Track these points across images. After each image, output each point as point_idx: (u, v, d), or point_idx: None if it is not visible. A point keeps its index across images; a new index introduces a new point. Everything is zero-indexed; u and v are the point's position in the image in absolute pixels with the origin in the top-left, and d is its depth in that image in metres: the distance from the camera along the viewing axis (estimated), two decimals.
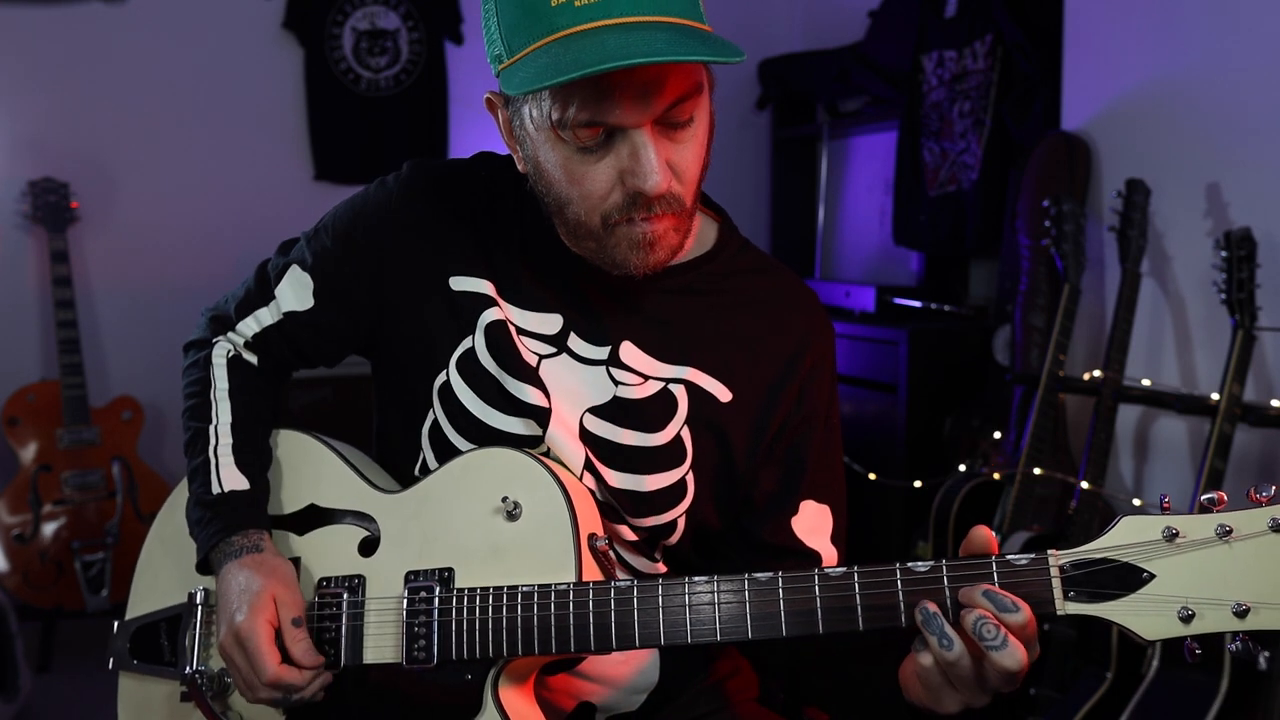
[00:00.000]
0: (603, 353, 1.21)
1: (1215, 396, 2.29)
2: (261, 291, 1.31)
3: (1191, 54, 2.58)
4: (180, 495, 1.33)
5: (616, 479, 1.20)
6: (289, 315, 1.29)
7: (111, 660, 1.31)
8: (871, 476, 3.21)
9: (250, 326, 1.31)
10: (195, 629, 1.21)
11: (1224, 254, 2.27)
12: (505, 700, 1.10)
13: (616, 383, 1.20)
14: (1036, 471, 2.57)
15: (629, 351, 1.20)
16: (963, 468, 2.97)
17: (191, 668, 1.20)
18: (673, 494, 1.21)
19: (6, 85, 3.60)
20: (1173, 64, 2.62)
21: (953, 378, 3.27)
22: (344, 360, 1.36)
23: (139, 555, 1.34)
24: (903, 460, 3.25)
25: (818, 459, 1.25)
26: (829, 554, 1.24)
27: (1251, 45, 2.44)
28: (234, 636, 1.13)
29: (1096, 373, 2.55)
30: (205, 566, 1.22)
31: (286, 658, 1.12)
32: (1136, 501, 2.66)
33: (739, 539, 1.25)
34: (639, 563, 1.26)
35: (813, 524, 1.24)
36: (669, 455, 1.20)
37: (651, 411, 1.20)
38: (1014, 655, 0.92)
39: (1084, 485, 2.48)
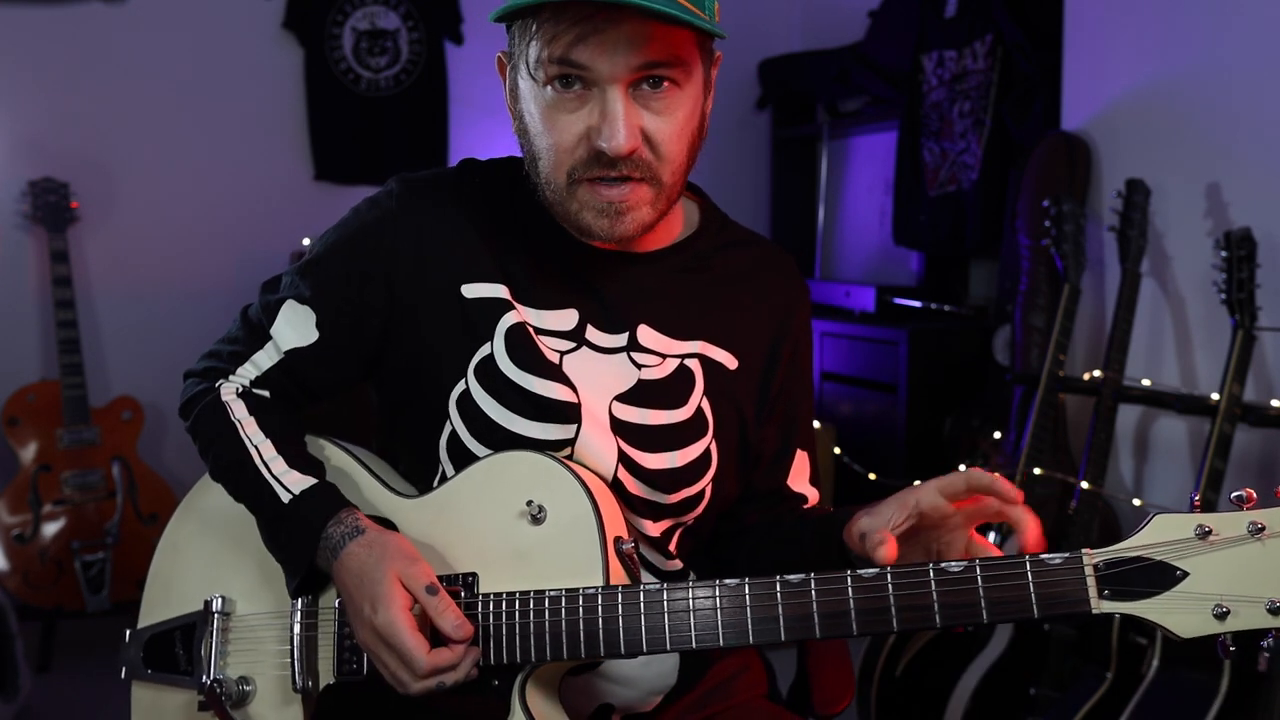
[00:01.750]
0: (621, 340, 1.23)
1: (1215, 396, 2.29)
2: (254, 335, 1.27)
3: (1191, 54, 2.57)
4: (192, 502, 1.32)
5: (652, 460, 1.22)
6: (292, 353, 1.25)
7: (124, 670, 1.29)
8: (871, 476, 3.21)
9: (249, 372, 1.27)
10: (212, 637, 1.20)
11: (1224, 254, 2.27)
12: (533, 705, 1.09)
13: (639, 365, 1.23)
14: (1036, 471, 2.57)
15: (646, 334, 1.23)
16: (963, 468, 2.96)
17: (209, 677, 1.18)
18: (701, 464, 1.24)
19: (6, 85, 3.60)
20: (1173, 64, 2.62)
21: (953, 378, 3.27)
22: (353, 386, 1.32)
23: (148, 555, 1.33)
24: (903, 460, 3.25)
25: (805, 413, 1.35)
26: (812, 494, 1.35)
27: (1251, 45, 2.44)
28: (376, 636, 1.08)
29: (1096, 373, 2.55)
30: (312, 580, 1.17)
31: (434, 638, 1.08)
32: (1136, 502, 2.66)
33: (745, 492, 1.33)
34: (655, 559, 1.27)
35: (799, 470, 1.35)
36: (694, 428, 1.24)
37: (674, 388, 1.23)
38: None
39: (1084, 485, 2.48)
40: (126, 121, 3.71)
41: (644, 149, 1.10)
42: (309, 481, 1.18)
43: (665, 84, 1.09)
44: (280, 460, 1.19)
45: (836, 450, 3.43)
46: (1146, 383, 2.57)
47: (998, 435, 2.98)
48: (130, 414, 3.46)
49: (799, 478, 1.34)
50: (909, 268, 3.80)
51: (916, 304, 3.49)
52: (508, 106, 1.21)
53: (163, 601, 1.29)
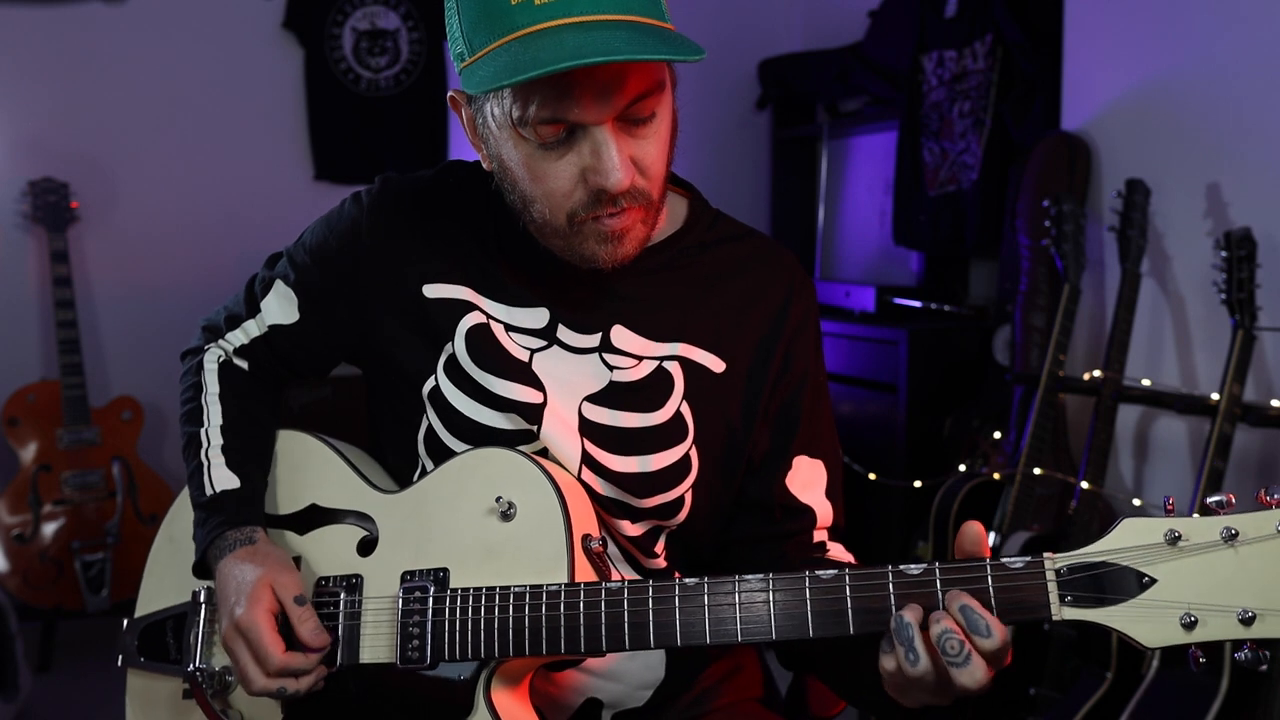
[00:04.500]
0: (593, 340, 1.22)
1: (1215, 396, 2.29)
2: (249, 305, 1.34)
3: (1191, 54, 2.58)
4: (188, 495, 1.34)
5: (620, 463, 1.20)
6: (274, 328, 1.32)
7: (120, 657, 1.31)
8: (871, 476, 3.21)
9: (238, 337, 1.35)
10: (199, 626, 1.22)
11: (1224, 254, 2.27)
12: (497, 701, 1.10)
13: (611, 368, 1.21)
14: (1036, 471, 2.57)
15: (620, 335, 1.22)
16: (963, 468, 2.97)
17: (193, 665, 1.20)
18: (678, 470, 1.22)
19: (6, 85, 3.60)
20: (1173, 64, 2.62)
21: (953, 378, 3.27)
22: (335, 367, 1.37)
23: (147, 555, 1.35)
24: (903, 460, 3.25)
25: (809, 414, 1.27)
26: (824, 509, 1.26)
27: (1251, 45, 2.44)
28: (235, 629, 1.14)
29: (1096, 373, 2.55)
30: (203, 567, 1.23)
31: (292, 644, 1.13)
32: (1136, 502, 2.66)
33: (737, 499, 1.27)
34: (637, 557, 1.26)
35: (807, 479, 1.26)
36: (671, 432, 1.21)
37: (649, 391, 1.21)
38: (974, 674, 0.92)
39: (1084, 485, 2.48)
40: (126, 121, 3.71)
41: (637, 177, 1.08)
42: (233, 484, 1.24)
43: (648, 109, 1.07)
44: (221, 455, 1.26)
45: None
46: (1146, 383, 2.57)
47: (998, 435, 2.98)
48: (130, 414, 3.46)
49: (809, 488, 1.26)
50: (909, 268, 3.81)
51: (916, 304, 3.49)
52: (470, 142, 1.18)
53: (158, 591, 1.32)
